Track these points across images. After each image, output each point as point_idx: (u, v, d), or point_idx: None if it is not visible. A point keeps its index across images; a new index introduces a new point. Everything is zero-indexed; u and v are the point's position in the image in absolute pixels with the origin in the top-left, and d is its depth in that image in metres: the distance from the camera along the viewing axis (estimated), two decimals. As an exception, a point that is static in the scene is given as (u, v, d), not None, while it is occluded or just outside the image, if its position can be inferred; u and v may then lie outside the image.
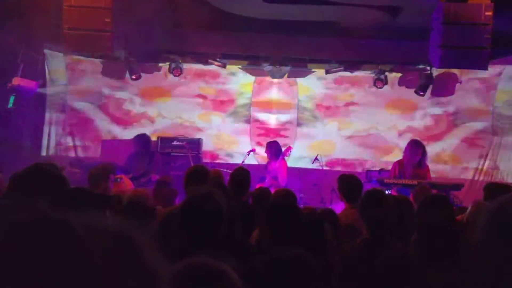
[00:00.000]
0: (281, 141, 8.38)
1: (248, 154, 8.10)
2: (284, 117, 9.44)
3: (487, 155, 9.00)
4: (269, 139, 8.56)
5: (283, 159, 7.70)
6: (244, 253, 2.79)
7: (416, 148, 6.93)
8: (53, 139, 9.56)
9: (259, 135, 9.43)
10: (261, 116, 9.46)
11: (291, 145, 8.20)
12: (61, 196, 2.55)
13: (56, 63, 9.41)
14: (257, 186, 7.27)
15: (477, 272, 1.46)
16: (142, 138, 8.37)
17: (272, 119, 9.46)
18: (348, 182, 4.91)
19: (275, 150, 7.76)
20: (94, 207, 2.90)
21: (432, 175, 7.31)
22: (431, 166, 7.41)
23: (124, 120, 9.59)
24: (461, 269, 1.82)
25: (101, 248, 0.87)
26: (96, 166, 5.16)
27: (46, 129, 9.55)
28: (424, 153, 6.94)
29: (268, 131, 9.42)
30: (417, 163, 6.87)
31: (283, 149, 7.88)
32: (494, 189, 4.75)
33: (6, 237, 0.88)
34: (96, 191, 4.73)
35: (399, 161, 7.12)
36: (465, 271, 1.71)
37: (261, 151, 8.61)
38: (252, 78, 9.39)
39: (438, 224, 3.12)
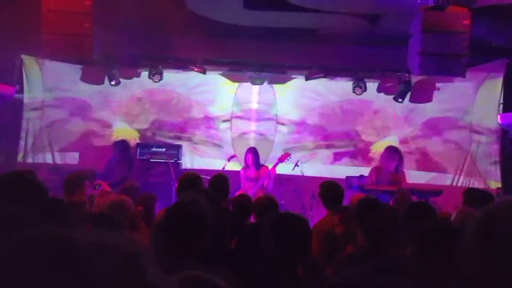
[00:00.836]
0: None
1: (229, 160, 8.07)
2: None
3: (464, 163, 9.13)
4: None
5: (276, 165, 7.57)
6: (237, 263, 2.79)
7: (393, 154, 7.01)
8: (30, 146, 9.42)
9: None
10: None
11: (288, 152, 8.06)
12: (40, 206, 2.51)
13: (33, 69, 9.29)
14: (239, 193, 7.22)
15: (467, 281, 1.47)
16: (121, 144, 8.32)
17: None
18: (330, 189, 4.93)
19: (258, 157, 7.66)
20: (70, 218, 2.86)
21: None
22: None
23: (102, 126, 9.50)
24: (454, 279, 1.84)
25: (107, 265, 0.88)
26: (71, 173, 5.09)
27: (23, 136, 9.40)
28: (400, 159, 7.03)
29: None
30: (394, 169, 6.95)
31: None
32: (474, 194, 4.82)
33: (15, 255, 0.89)
34: (71, 198, 4.68)
35: (376, 167, 7.19)
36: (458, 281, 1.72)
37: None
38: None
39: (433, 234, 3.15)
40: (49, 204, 2.74)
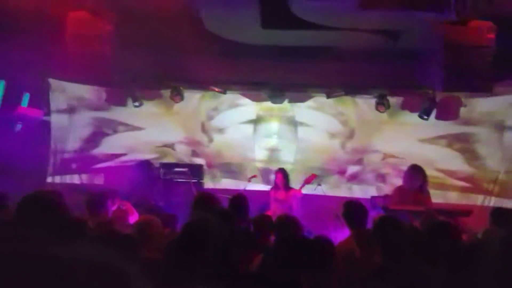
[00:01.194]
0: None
1: (250, 180, 8.01)
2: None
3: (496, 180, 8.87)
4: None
5: (303, 187, 7.47)
6: (241, 280, 2.78)
7: (416, 174, 6.79)
8: (58, 167, 9.58)
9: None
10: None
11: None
12: (60, 226, 2.55)
13: (60, 92, 9.49)
14: (267, 213, 7.12)
15: None
16: (144, 164, 8.37)
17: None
18: (353, 209, 4.82)
19: (287, 178, 7.56)
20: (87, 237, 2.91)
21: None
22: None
23: (128, 146, 9.61)
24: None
25: (90, 281, 0.91)
26: (93, 193, 5.11)
27: (51, 157, 9.58)
28: (424, 178, 6.80)
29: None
30: (418, 189, 6.74)
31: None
32: (502, 214, 4.64)
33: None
34: (95, 218, 4.69)
35: (399, 187, 6.97)
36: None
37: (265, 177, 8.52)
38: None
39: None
40: (68, 225, 2.78)
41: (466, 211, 6.67)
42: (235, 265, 3.31)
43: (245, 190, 7.38)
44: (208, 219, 2.80)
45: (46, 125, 9.50)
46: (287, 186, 7.49)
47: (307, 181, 7.50)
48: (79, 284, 0.90)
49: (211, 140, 9.55)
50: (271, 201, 7.59)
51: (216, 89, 8.69)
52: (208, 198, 4.53)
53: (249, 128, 9.46)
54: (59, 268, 0.91)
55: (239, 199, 5.04)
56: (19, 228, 2.50)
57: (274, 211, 7.24)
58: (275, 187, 7.62)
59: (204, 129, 9.55)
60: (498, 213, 4.85)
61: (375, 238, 3.66)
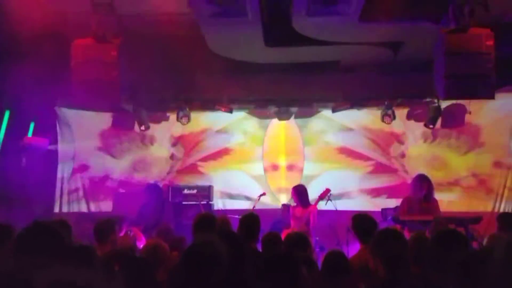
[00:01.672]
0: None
1: (259, 198, 7.99)
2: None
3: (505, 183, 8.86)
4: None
5: (317, 202, 7.39)
6: None
7: (421, 183, 6.81)
8: (65, 195, 9.59)
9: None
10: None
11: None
12: (62, 253, 2.54)
13: (66, 120, 9.55)
14: (284, 233, 7.08)
15: None
16: (153, 188, 8.38)
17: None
18: (362, 222, 4.79)
19: (304, 195, 7.48)
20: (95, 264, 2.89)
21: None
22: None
23: (136, 171, 9.63)
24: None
25: None
26: (101, 220, 5.11)
27: (58, 185, 9.59)
28: (430, 187, 6.81)
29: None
30: (424, 198, 6.75)
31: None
32: (508, 219, 4.62)
33: None
34: (104, 246, 4.69)
35: (407, 198, 6.98)
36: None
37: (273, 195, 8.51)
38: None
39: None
40: (74, 252, 2.77)
41: (475, 218, 6.65)
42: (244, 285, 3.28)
43: (254, 209, 7.36)
44: (211, 241, 2.74)
45: (53, 154, 9.54)
46: (303, 203, 7.43)
47: (321, 196, 7.44)
48: None
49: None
50: (290, 218, 7.55)
51: (223, 108, 8.75)
52: (208, 219, 4.48)
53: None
54: None
55: (250, 218, 4.85)
56: (19, 256, 2.50)
57: (293, 228, 7.21)
58: (295, 204, 7.59)
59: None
60: (504, 218, 4.84)
61: (377, 251, 3.63)
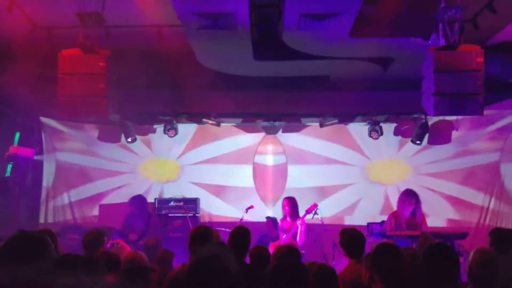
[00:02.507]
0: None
1: (247, 212, 7.95)
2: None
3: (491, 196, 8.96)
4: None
5: (305, 217, 7.36)
6: None
7: (408, 198, 6.83)
8: (51, 207, 9.48)
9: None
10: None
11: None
12: (49, 262, 2.49)
13: (52, 130, 9.47)
14: (271, 246, 7.03)
15: None
16: (138, 199, 8.27)
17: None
18: (351, 237, 4.74)
19: (296, 207, 7.46)
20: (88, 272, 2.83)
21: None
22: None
23: (122, 183, 9.56)
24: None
25: None
26: (89, 232, 5.04)
27: (43, 197, 9.49)
28: (417, 202, 6.84)
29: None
30: (411, 213, 6.77)
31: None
32: (500, 235, 4.62)
33: None
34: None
35: (393, 213, 7.01)
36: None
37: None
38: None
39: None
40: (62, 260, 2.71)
41: (462, 234, 6.68)
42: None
43: (242, 222, 7.31)
44: (218, 254, 2.65)
45: (38, 164, 9.43)
46: (293, 215, 7.39)
47: (308, 211, 7.41)
48: None
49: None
50: (279, 231, 7.50)
51: (210, 122, 8.71)
52: (206, 232, 4.45)
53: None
54: None
55: (242, 232, 4.80)
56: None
57: (281, 241, 7.16)
58: (283, 217, 7.54)
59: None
60: (496, 234, 4.86)
61: (374, 266, 3.62)
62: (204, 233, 4.38)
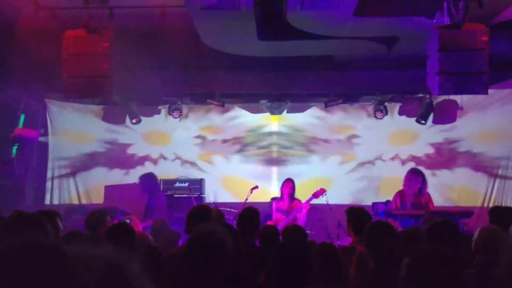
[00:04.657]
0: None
1: (251, 192, 7.97)
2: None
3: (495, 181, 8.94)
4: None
5: (310, 200, 7.36)
6: None
7: (415, 177, 6.85)
8: (56, 188, 9.54)
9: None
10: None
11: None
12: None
13: (57, 111, 9.48)
14: (269, 223, 7.08)
15: None
16: (148, 177, 8.31)
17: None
18: (357, 215, 4.76)
19: (293, 189, 7.48)
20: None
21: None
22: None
23: (126, 164, 9.58)
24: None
25: (91, 274, 0.95)
26: (92, 212, 5.08)
27: (49, 178, 9.54)
28: (423, 181, 6.85)
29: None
30: (417, 192, 6.78)
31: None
32: (500, 212, 4.68)
33: (5, 261, 0.95)
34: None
35: (399, 192, 7.02)
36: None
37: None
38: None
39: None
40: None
41: (467, 212, 6.71)
42: (246, 278, 3.26)
43: (246, 203, 7.34)
44: (215, 230, 2.67)
45: (43, 146, 9.48)
46: (292, 197, 7.43)
47: (315, 195, 7.42)
48: (77, 277, 0.93)
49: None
50: (273, 211, 7.53)
51: (214, 103, 8.71)
52: (204, 210, 4.44)
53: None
54: (58, 259, 0.95)
55: (250, 213, 4.65)
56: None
57: (276, 221, 7.20)
58: (280, 197, 7.57)
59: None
60: (496, 212, 4.92)
61: (368, 244, 3.65)
62: (202, 212, 4.34)
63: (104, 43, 6.82)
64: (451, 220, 5.56)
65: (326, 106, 8.92)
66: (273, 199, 8.29)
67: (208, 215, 4.37)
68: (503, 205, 8.29)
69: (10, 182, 8.53)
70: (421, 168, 7.97)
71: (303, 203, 7.29)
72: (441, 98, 8.51)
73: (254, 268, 3.65)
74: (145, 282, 1.02)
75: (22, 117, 8.84)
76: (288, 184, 7.48)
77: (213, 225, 2.98)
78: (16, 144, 8.69)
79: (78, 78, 7.09)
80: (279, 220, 7.23)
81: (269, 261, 3.65)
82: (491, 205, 8.70)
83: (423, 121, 8.77)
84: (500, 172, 8.94)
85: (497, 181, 8.94)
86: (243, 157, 9.55)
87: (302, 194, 7.56)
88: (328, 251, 3.67)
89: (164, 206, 7.98)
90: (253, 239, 4.53)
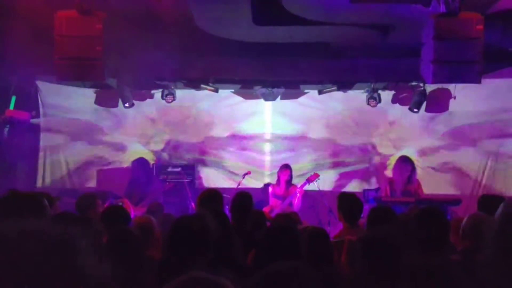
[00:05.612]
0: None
1: (244, 177, 7.99)
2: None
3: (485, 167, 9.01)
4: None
5: (304, 185, 7.42)
6: (243, 272, 2.75)
7: (404, 165, 6.89)
8: (48, 171, 9.49)
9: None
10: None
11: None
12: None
13: (49, 94, 9.41)
14: (266, 209, 7.12)
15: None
16: (141, 162, 8.25)
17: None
18: (349, 201, 4.78)
19: (291, 176, 7.52)
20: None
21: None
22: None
23: (119, 148, 9.55)
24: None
25: (33, 250, 0.98)
26: (82, 195, 5.07)
27: (41, 161, 9.49)
28: (413, 169, 6.91)
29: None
30: (407, 180, 6.83)
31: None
32: (488, 200, 4.73)
33: None
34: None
35: (389, 179, 7.09)
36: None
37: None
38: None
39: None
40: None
41: (455, 200, 6.77)
42: (233, 259, 3.28)
43: (238, 188, 7.37)
44: (200, 215, 2.76)
45: (35, 128, 9.41)
46: (289, 183, 7.45)
47: (309, 180, 7.45)
48: (21, 254, 0.96)
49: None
50: (270, 197, 7.55)
51: (208, 88, 8.68)
52: (215, 195, 4.44)
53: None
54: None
55: (244, 199, 4.71)
56: None
57: (273, 207, 7.23)
58: (277, 183, 7.58)
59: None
60: (484, 199, 4.98)
61: (368, 229, 3.68)
62: (212, 197, 4.36)
63: (97, 25, 6.74)
64: (438, 207, 5.64)
65: (319, 94, 8.91)
66: (268, 184, 8.31)
67: (219, 199, 4.39)
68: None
69: (1, 165, 8.48)
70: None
71: (298, 189, 7.33)
72: (435, 86, 8.52)
73: (246, 252, 3.68)
74: (89, 257, 1.04)
75: (14, 99, 8.76)
76: (286, 171, 7.50)
77: (202, 210, 3.02)
78: (8, 126, 8.62)
79: (70, 60, 7.01)
80: (276, 206, 7.26)
81: (257, 244, 3.69)
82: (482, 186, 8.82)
83: (416, 110, 8.80)
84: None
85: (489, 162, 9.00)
86: (236, 143, 9.53)
87: (295, 179, 7.59)
88: (318, 236, 3.70)
89: (160, 193, 7.94)
90: (245, 224, 4.56)
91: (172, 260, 2.56)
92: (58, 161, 9.50)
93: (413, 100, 8.76)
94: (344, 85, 8.83)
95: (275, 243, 2.86)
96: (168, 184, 8.25)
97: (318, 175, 7.54)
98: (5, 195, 2.67)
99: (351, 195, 4.96)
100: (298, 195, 7.26)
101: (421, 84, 8.50)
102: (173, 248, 2.59)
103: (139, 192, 7.65)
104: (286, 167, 7.55)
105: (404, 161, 7.02)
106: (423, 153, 9.12)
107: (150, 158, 9.29)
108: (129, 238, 3.12)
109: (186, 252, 2.53)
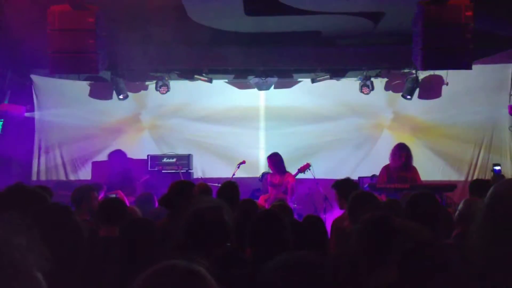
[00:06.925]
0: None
1: (238, 167, 8.02)
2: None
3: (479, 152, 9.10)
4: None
5: (296, 175, 7.42)
6: (238, 264, 2.79)
7: (400, 152, 6.92)
8: (43, 164, 9.51)
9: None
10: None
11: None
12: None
13: (43, 87, 9.41)
14: (260, 199, 7.18)
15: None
16: (117, 154, 8.10)
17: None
18: (347, 186, 4.83)
19: (280, 162, 7.48)
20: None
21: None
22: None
23: (113, 139, 9.56)
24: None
25: None
26: (77, 188, 5.11)
27: (35, 154, 9.50)
28: (408, 156, 6.93)
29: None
30: (403, 167, 6.86)
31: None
32: (479, 185, 4.84)
33: None
34: (78, 211, 4.72)
35: (386, 166, 7.10)
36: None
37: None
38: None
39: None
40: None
41: (450, 186, 6.83)
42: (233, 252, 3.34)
43: (234, 178, 7.41)
44: (219, 207, 2.78)
45: (30, 122, 9.42)
46: (280, 170, 7.47)
47: (301, 170, 7.49)
48: None
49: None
50: (268, 185, 7.60)
51: (202, 78, 8.70)
52: (185, 186, 4.47)
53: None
54: None
55: (230, 187, 4.88)
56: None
57: (270, 195, 7.30)
58: (272, 172, 7.64)
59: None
60: (475, 184, 5.10)
61: (352, 213, 3.75)
62: (183, 187, 4.38)
63: (90, 18, 6.77)
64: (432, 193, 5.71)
65: (313, 82, 8.95)
66: (265, 173, 8.36)
67: (190, 189, 4.41)
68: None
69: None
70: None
71: (289, 176, 7.37)
72: (427, 73, 8.57)
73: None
74: (28, 253, 1.03)
75: (7, 93, 8.77)
76: (272, 159, 7.51)
77: (213, 201, 3.04)
78: (2, 120, 8.63)
79: (64, 53, 7.05)
80: (272, 194, 7.32)
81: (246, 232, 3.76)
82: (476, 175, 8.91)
83: (408, 97, 8.84)
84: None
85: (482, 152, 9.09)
86: (231, 132, 9.56)
87: (290, 167, 7.64)
88: (313, 222, 3.77)
89: (150, 184, 7.89)
90: (234, 213, 4.64)
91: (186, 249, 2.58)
92: (53, 154, 9.52)
93: (405, 87, 8.81)
94: (336, 73, 8.87)
95: (261, 231, 2.90)
96: (144, 176, 8.20)
97: (309, 164, 7.56)
98: (12, 187, 2.72)
99: (347, 179, 5.02)
100: (290, 183, 7.32)
101: (413, 71, 8.55)
102: (189, 237, 2.60)
103: (117, 184, 7.57)
104: (270, 156, 7.59)
105: (401, 148, 7.04)
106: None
107: (145, 147, 9.33)
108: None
109: (204, 242, 2.55)
